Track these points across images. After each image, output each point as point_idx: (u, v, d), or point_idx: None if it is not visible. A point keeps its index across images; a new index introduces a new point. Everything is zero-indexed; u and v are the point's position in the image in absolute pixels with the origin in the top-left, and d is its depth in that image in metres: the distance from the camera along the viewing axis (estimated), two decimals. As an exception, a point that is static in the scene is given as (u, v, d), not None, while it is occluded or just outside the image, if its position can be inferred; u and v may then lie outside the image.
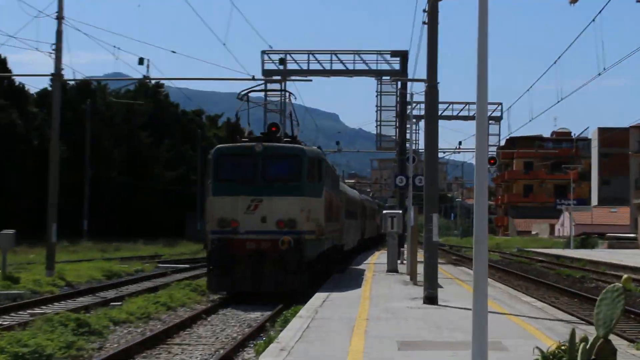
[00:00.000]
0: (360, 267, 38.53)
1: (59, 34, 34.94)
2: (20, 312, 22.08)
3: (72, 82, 65.10)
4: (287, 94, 35.62)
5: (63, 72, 35.65)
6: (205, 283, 27.08)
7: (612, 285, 6.95)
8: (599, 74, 27.72)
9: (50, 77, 36.97)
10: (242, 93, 31.19)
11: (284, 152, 27.29)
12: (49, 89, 63.86)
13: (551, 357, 6.69)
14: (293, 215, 26.06)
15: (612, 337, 7.30)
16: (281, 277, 25.49)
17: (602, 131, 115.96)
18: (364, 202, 60.57)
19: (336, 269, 32.80)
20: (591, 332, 6.95)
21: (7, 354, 13.98)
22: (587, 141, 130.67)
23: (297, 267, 25.70)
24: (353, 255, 49.13)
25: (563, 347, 6.76)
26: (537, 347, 7.34)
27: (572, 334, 6.60)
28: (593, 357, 6.38)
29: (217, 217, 26.15)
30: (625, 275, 7.27)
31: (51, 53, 35.05)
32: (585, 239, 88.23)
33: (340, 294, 23.13)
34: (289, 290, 25.58)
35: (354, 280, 28.77)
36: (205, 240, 31.76)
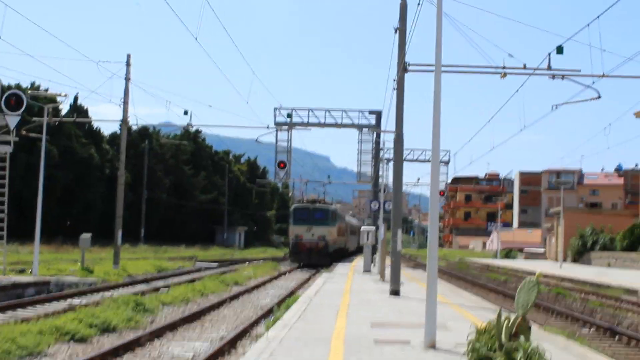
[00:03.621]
0: (345, 267, 38.56)
1: (126, 91, 35.01)
2: (94, 294, 22.11)
3: (135, 127, 65.15)
4: (323, 185, 60.97)
5: (129, 119, 35.66)
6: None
7: (528, 277, 7.04)
8: (521, 130, 27.76)
9: (119, 123, 37.11)
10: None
11: (321, 208, 45.72)
12: (118, 132, 63.89)
13: (483, 331, 6.75)
14: (324, 233, 44.33)
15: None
16: (318, 258, 43.46)
17: (522, 174, 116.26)
18: (361, 225, 76.19)
19: (322, 269, 40.43)
20: (512, 316, 7.02)
21: (84, 323, 14.01)
22: (511, 181, 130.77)
23: (325, 254, 43.93)
24: (351, 254, 65.09)
25: (492, 325, 6.82)
26: (474, 324, 7.39)
27: (499, 314, 6.66)
28: (514, 331, 6.46)
29: (294, 233, 44.72)
30: (538, 271, 7.36)
31: (120, 105, 35.15)
32: (508, 252, 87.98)
33: (329, 287, 23.13)
34: (322, 264, 42.57)
35: (340, 277, 28.77)
36: (288, 244, 49.12)
